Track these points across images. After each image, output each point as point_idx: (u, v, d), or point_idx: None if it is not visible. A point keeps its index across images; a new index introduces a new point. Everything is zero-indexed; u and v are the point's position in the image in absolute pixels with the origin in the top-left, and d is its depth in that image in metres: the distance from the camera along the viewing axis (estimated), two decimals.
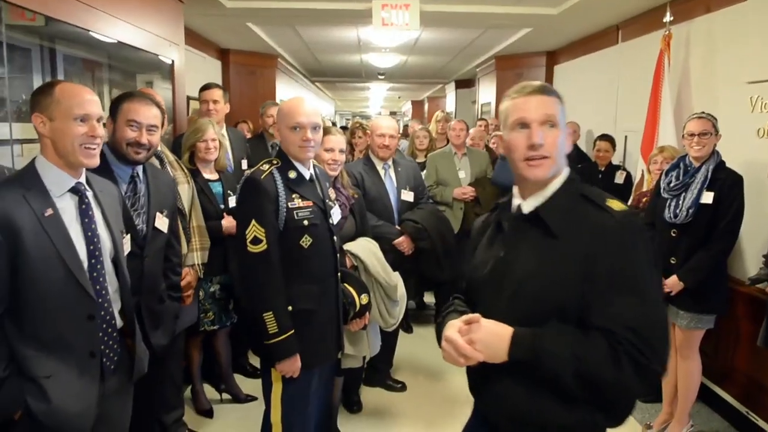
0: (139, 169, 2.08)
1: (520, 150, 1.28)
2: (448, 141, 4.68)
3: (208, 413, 3.18)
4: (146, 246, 2.04)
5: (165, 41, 3.34)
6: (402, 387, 3.60)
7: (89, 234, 1.59)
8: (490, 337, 1.23)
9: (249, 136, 4.76)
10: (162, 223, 2.10)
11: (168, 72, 3.46)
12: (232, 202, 2.98)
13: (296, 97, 2.20)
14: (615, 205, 1.24)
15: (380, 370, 3.57)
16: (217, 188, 3.01)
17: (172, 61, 3.45)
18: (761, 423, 2.94)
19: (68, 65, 2.97)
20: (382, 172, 3.33)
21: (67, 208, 1.57)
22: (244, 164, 3.69)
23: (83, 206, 1.60)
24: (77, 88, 1.61)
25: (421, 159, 4.61)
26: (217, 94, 3.47)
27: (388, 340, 3.27)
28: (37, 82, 2.64)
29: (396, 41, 6.29)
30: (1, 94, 2.40)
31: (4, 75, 2.36)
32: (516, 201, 1.36)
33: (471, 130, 5.40)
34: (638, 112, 4.09)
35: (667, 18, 3.72)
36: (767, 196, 2.78)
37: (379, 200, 3.28)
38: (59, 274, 1.50)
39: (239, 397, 3.39)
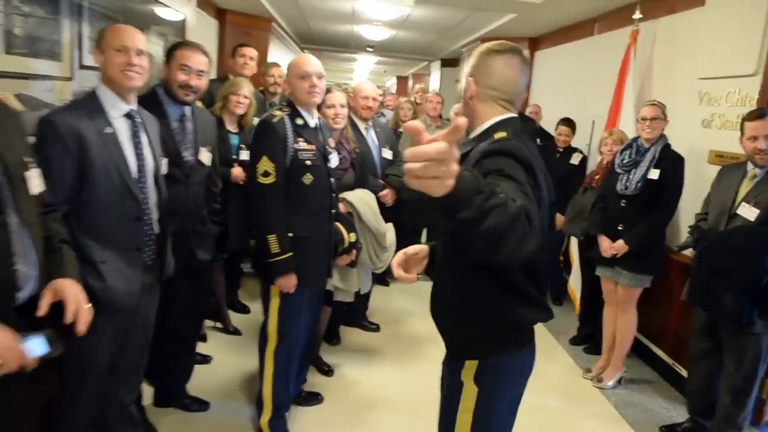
0: (187, 109, 2.40)
1: None
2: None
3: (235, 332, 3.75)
4: (192, 175, 2.38)
5: None
6: (376, 328, 4.02)
7: (138, 152, 1.93)
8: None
9: None
10: (206, 156, 2.45)
11: (180, 28, 3.73)
12: (243, 155, 3.31)
13: (303, 53, 2.55)
14: (498, 135, 1.43)
15: (358, 312, 3.98)
16: (234, 140, 3.35)
17: (185, 18, 3.72)
18: (683, 372, 3.43)
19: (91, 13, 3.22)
20: (364, 132, 3.64)
21: (122, 129, 1.91)
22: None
23: (134, 129, 1.94)
24: (119, 26, 1.93)
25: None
26: (253, 52, 3.99)
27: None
28: (64, 26, 2.90)
29: (389, 15, 6.56)
30: (36, 33, 2.67)
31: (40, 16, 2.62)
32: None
33: (455, 106, 5.77)
34: (606, 99, 4.50)
35: (637, 15, 4.11)
36: (703, 177, 3.20)
37: (364, 156, 3.64)
38: (115, 181, 1.84)
39: (228, 329, 3.76)
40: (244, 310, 4.13)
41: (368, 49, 10.63)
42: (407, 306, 4.54)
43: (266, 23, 7.40)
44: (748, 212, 2.57)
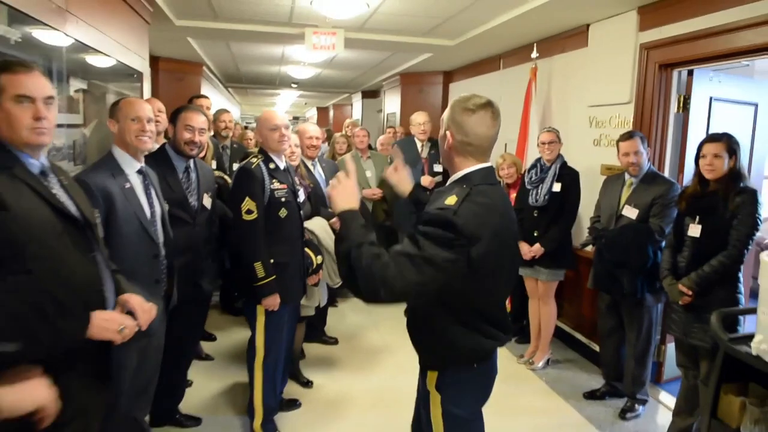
0: (191, 162, 2.81)
1: None
2: None
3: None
4: (197, 217, 2.77)
5: (135, 55, 3.97)
6: (335, 341, 4.48)
7: (149, 201, 2.34)
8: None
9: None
10: (207, 201, 2.86)
11: (138, 80, 4.09)
12: None
13: (270, 109, 3.03)
14: (448, 201, 1.65)
15: (317, 329, 4.42)
16: None
17: (141, 73, 4.09)
18: (597, 348, 4.10)
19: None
20: (311, 168, 4.12)
21: (136, 184, 2.32)
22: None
23: (146, 182, 2.35)
24: (133, 100, 2.36)
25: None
26: (208, 102, 4.58)
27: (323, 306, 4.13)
28: None
29: (318, 58, 7.12)
30: None
31: None
32: None
33: (381, 137, 6.39)
34: (515, 124, 5.23)
35: (534, 54, 4.89)
36: (598, 186, 3.90)
37: (314, 190, 4.13)
38: (135, 227, 2.25)
39: (201, 355, 4.10)
40: (211, 338, 4.47)
41: (293, 85, 11.14)
42: (358, 321, 5.03)
43: (198, 68, 7.78)
44: (631, 212, 3.28)
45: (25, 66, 1.46)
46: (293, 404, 3.42)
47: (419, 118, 5.10)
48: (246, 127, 8.16)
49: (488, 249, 1.63)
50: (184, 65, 7.48)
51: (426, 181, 4.84)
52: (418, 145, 5.10)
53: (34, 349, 1.34)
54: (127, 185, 2.26)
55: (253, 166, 2.81)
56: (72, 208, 1.56)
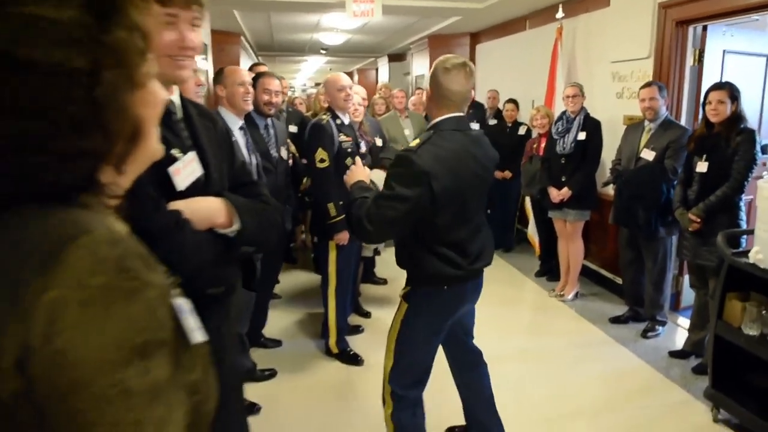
0: (269, 120, 3.32)
1: None
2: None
3: None
4: (278, 166, 3.29)
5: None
6: (384, 281, 5.03)
7: (249, 152, 2.86)
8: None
9: None
10: (284, 153, 3.38)
11: (205, 52, 4.59)
12: None
13: (337, 72, 3.51)
14: (414, 143, 2.07)
15: (368, 271, 4.97)
16: None
17: (206, 45, 4.59)
18: (620, 281, 4.59)
19: None
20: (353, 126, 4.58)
21: (239, 138, 2.84)
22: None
23: (246, 138, 2.87)
24: (235, 68, 2.86)
25: None
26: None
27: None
28: None
29: (354, 25, 7.51)
30: None
31: None
32: None
33: (412, 98, 6.83)
34: (541, 82, 5.63)
35: (559, 15, 5.25)
36: (620, 135, 4.33)
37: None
38: None
39: None
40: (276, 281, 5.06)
41: (322, 51, 11.52)
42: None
43: (236, 38, 8.22)
44: (648, 155, 3.73)
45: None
46: (357, 330, 4.00)
47: None
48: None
49: (446, 185, 1.96)
50: (224, 36, 7.92)
51: None
52: None
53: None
54: (234, 139, 2.78)
55: (323, 122, 3.32)
56: None
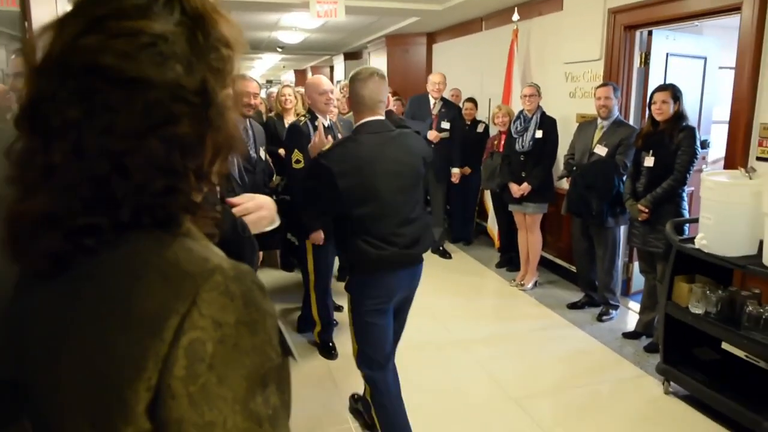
0: (247, 121, 3.41)
1: None
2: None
3: None
4: (256, 166, 3.39)
5: None
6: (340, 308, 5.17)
7: None
8: None
9: None
10: (262, 153, 3.47)
11: None
12: None
13: (318, 76, 3.64)
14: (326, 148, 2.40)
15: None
16: None
17: None
18: (572, 268, 4.89)
19: None
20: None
21: None
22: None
23: None
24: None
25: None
26: None
27: None
28: None
29: (315, 24, 7.59)
30: None
31: None
32: None
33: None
34: (497, 81, 5.88)
35: (515, 17, 5.51)
36: (571, 132, 4.61)
37: None
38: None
39: None
40: None
41: (278, 49, 11.51)
42: None
43: None
44: (601, 150, 4.02)
45: None
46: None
47: (435, 78, 5.57)
48: None
49: (353, 181, 2.21)
50: None
51: (431, 135, 5.39)
52: (431, 102, 5.55)
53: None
54: None
55: (301, 124, 3.44)
56: None
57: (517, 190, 4.65)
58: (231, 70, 0.66)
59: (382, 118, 2.37)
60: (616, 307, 4.30)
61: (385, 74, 2.41)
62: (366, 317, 2.39)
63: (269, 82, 22.80)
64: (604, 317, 4.24)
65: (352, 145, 2.31)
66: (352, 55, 11.89)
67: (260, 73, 21.16)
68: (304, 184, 2.46)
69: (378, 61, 9.55)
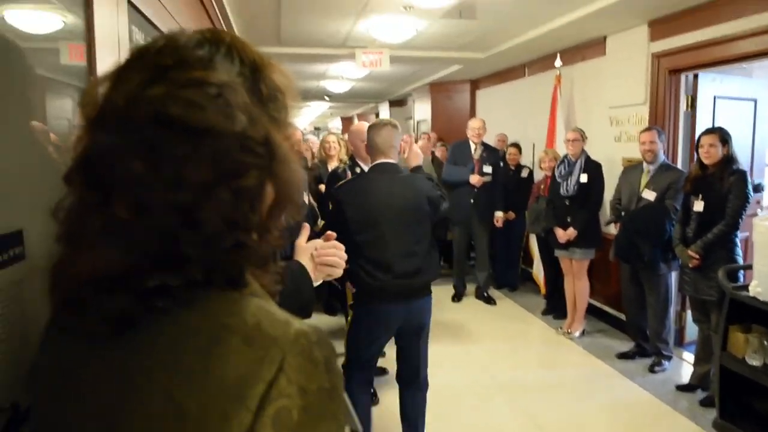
0: None
1: None
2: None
3: None
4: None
5: None
6: None
7: None
8: None
9: None
10: (306, 198, 3.57)
11: None
12: None
13: (360, 122, 3.76)
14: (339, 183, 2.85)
15: None
16: None
17: None
18: (622, 316, 4.73)
19: None
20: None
21: None
22: None
23: None
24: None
25: None
26: None
27: None
28: None
29: (361, 74, 7.82)
30: None
31: None
32: None
33: (419, 142, 7.09)
34: (541, 126, 5.88)
35: (558, 63, 5.53)
36: (616, 176, 4.53)
37: None
38: None
39: None
40: None
41: (326, 98, 11.88)
42: None
43: None
44: (650, 195, 3.94)
45: None
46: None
47: (475, 124, 5.66)
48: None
49: (355, 213, 2.55)
50: None
51: (474, 179, 5.43)
52: (472, 147, 5.60)
53: None
54: None
55: (339, 170, 3.54)
56: None
57: (562, 234, 4.58)
58: (287, 120, 0.65)
59: (393, 161, 2.67)
60: (669, 358, 4.11)
61: (398, 124, 2.77)
62: (361, 335, 2.68)
63: (317, 128, 23.48)
64: (657, 368, 4.06)
65: (362, 182, 2.74)
66: (397, 102, 12.13)
67: (309, 120, 21.79)
68: (328, 219, 2.74)
69: (422, 107, 9.72)
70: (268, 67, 0.64)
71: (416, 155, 2.79)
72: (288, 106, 0.65)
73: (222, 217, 0.56)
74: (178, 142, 0.55)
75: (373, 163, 2.68)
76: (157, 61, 0.59)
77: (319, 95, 11.57)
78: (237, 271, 0.60)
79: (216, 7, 3.73)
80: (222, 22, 4.34)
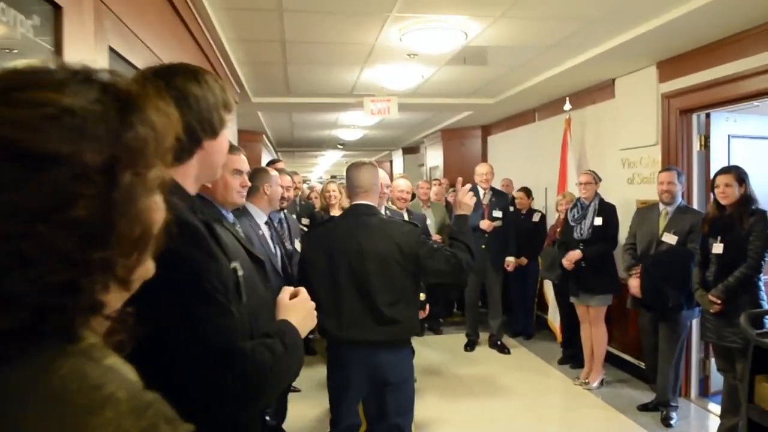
0: (282, 213, 3.46)
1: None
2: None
3: None
4: (291, 258, 3.37)
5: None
6: None
7: (274, 244, 2.98)
8: None
9: None
10: (297, 245, 3.48)
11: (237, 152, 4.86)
12: None
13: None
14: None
15: None
16: None
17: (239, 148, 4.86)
18: (641, 364, 4.50)
19: None
20: (405, 216, 4.69)
21: (265, 231, 2.96)
22: None
23: (272, 231, 3.00)
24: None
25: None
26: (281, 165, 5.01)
27: None
28: None
29: (371, 122, 7.89)
30: None
31: None
32: None
33: (434, 188, 7.03)
34: (553, 170, 5.80)
35: (567, 107, 5.50)
36: (630, 219, 4.41)
37: None
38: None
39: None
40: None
41: (339, 146, 12.00)
42: None
43: (259, 136, 8.66)
44: (670, 238, 3.80)
45: (239, 149, 2.13)
46: None
47: (482, 169, 5.59)
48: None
49: (312, 255, 2.59)
50: (248, 135, 8.35)
51: (485, 224, 5.32)
52: (480, 192, 5.47)
53: None
54: (261, 232, 2.91)
55: (318, 216, 3.50)
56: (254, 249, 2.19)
57: (572, 256, 4.42)
58: (154, 157, 0.60)
59: (371, 203, 2.58)
60: (675, 408, 3.88)
61: (375, 163, 2.78)
62: (331, 383, 2.63)
63: (333, 177, 23.73)
64: (672, 421, 3.82)
65: (330, 225, 2.76)
66: (410, 150, 12.22)
67: (324, 168, 22.03)
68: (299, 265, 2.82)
69: (434, 154, 9.74)
70: (144, 101, 0.61)
71: (462, 204, 2.51)
72: (155, 144, 0.60)
73: (50, 250, 0.51)
74: (3, 166, 0.51)
75: (351, 204, 2.66)
76: (4, 83, 0.55)
77: (333, 144, 11.69)
78: (67, 318, 0.54)
79: (219, 55, 3.77)
80: (228, 72, 4.39)
